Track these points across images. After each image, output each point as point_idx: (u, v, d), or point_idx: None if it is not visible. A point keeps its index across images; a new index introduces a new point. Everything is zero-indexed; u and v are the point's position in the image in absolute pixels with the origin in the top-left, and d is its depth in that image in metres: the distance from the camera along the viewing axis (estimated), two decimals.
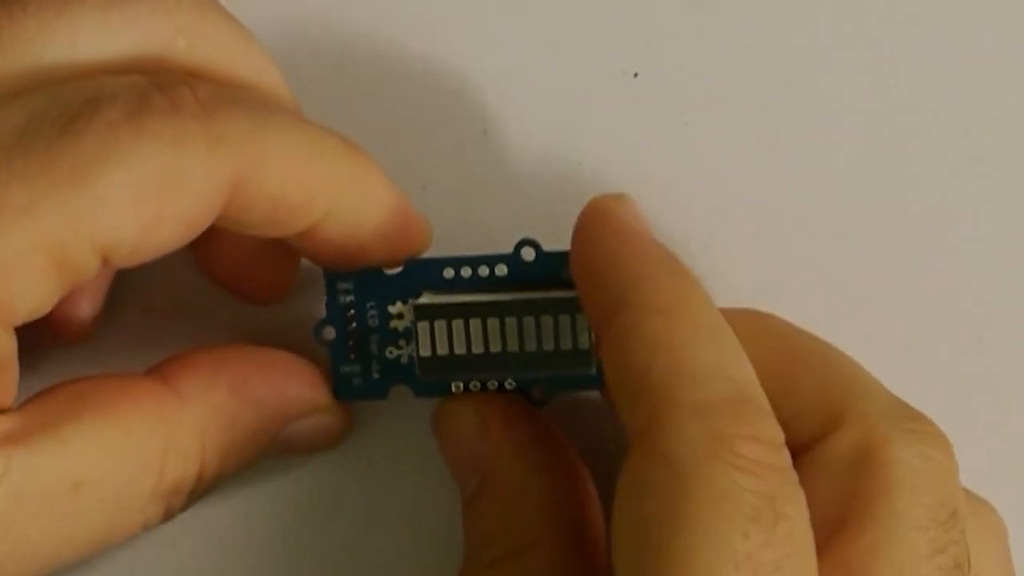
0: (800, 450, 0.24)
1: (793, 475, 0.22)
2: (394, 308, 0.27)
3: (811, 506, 0.22)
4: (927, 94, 0.29)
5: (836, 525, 0.23)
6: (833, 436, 0.24)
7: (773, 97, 0.29)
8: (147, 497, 0.25)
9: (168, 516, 0.25)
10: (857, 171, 0.29)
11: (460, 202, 0.29)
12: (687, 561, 0.21)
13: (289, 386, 0.27)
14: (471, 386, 0.27)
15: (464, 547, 0.26)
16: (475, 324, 0.26)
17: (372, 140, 0.29)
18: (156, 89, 0.24)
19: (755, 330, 0.25)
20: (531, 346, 0.26)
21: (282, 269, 0.28)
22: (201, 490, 0.26)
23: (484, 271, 0.26)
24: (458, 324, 0.26)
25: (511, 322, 0.26)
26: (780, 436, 0.23)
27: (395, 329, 0.27)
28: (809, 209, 0.28)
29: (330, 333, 0.27)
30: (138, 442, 0.24)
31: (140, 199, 0.23)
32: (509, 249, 0.26)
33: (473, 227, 0.28)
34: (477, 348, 0.26)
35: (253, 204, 0.24)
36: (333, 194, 0.25)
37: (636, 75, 0.29)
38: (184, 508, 0.26)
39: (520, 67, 0.29)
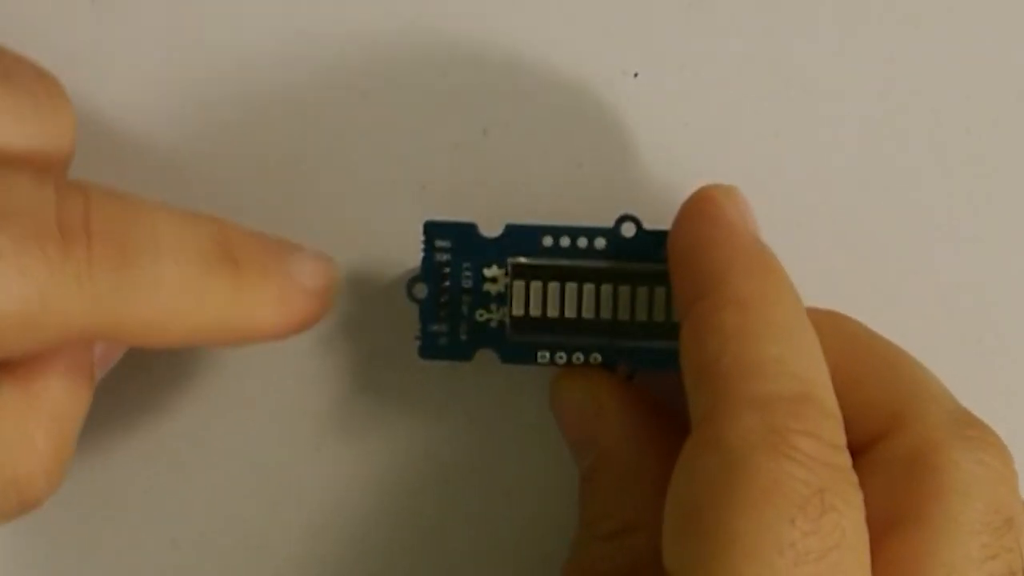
0: (860, 450, 0.24)
1: (851, 476, 0.23)
2: (489, 271, 0.27)
3: (865, 505, 0.23)
4: (927, 94, 0.29)
5: (888, 525, 0.23)
6: (891, 437, 0.24)
7: (773, 97, 0.29)
8: None
9: (26, 506, 0.25)
10: (857, 171, 0.29)
11: (460, 202, 0.29)
12: (731, 545, 0.21)
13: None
14: (557, 357, 0.27)
15: (579, 515, 0.27)
16: (570, 288, 0.26)
17: (372, 140, 0.29)
18: (57, 225, 0.23)
19: (828, 329, 0.25)
20: (624, 315, 0.26)
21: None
22: (59, 470, 0.25)
23: (583, 242, 0.27)
24: (553, 286, 0.26)
25: (606, 289, 0.26)
26: (841, 438, 0.23)
27: (488, 292, 0.27)
28: (809, 209, 0.28)
29: (422, 290, 0.27)
30: None
31: None
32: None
33: None
34: (570, 312, 0.26)
35: (110, 339, 0.25)
36: (206, 332, 0.25)
37: (636, 75, 0.29)
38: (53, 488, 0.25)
39: (520, 67, 0.29)
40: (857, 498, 0.22)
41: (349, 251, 0.28)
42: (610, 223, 0.27)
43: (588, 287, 0.26)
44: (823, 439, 0.22)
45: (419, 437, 0.29)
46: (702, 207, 0.26)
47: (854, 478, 0.23)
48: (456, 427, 0.29)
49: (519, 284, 0.26)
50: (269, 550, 0.29)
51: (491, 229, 0.27)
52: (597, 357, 0.27)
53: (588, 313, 0.26)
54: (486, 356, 0.27)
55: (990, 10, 0.29)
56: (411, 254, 0.28)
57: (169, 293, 0.24)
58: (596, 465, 0.27)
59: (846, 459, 0.23)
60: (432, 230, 0.27)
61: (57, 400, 0.25)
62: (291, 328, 0.26)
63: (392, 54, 0.29)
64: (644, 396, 0.27)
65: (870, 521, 0.23)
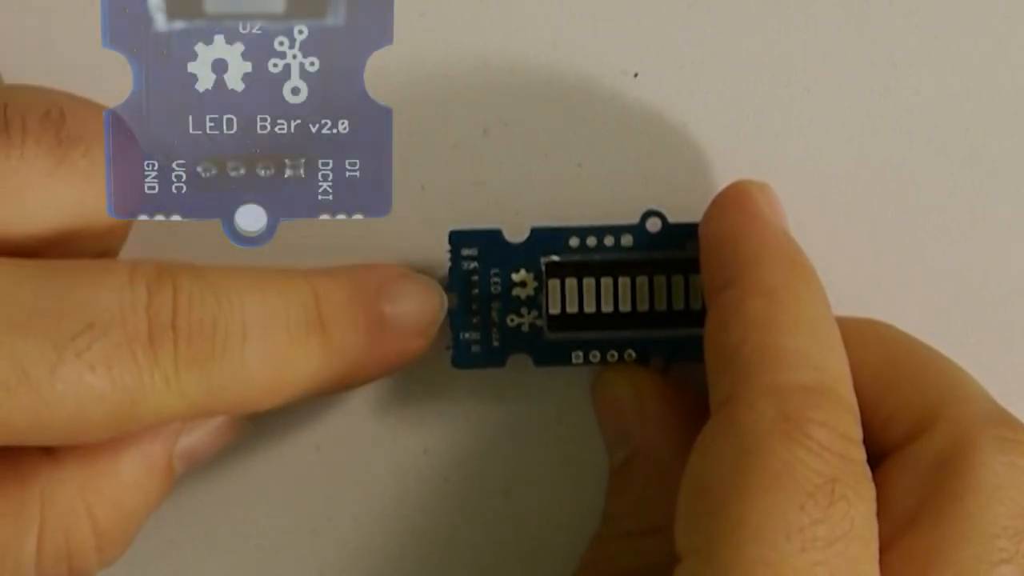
0: (894, 450, 0.25)
1: (863, 469, 0.23)
2: (517, 275, 0.27)
3: (890, 503, 0.23)
4: (927, 94, 0.29)
5: (909, 522, 0.23)
6: (924, 437, 0.24)
7: (773, 97, 0.29)
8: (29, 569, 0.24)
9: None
10: (857, 171, 0.29)
11: (460, 202, 0.29)
12: (740, 526, 0.22)
13: None
14: (591, 356, 0.27)
15: (604, 509, 0.27)
16: (606, 282, 0.26)
17: None
18: (146, 328, 0.23)
19: (866, 335, 0.25)
20: (660, 305, 0.26)
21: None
22: (114, 548, 0.25)
23: (609, 241, 0.27)
24: (589, 282, 0.26)
25: (641, 281, 0.26)
26: (856, 432, 0.23)
27: (517, 297, 0.27)
28: (808, 209, 0.28)
29: (452, 300, 0.27)
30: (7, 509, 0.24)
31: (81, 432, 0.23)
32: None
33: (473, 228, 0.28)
34: (607, 307, 0.26)
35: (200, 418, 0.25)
36: (300, 394, 0.25)
37: (636, 75, 0.29)
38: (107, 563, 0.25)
39: (520, 67, 0.29)
40: (869, 492, 0.23)
41: (349, 252, 0.28)
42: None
43: (623, 280, 0.26)
44: (838, 430, 0.23)
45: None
46: (735, 199, 0.26)
47: (867, 472, 0.23)
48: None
49: (554, 283, 0.26)
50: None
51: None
52: (631, 354, 0.27)
53: (624, 306, 0.26)
54: (518, 361, 0.27)
55: (990, 10, 0.29)
56: (411, 255, 0.28)
57: (256, 375, 0.24)
58: (628, 462, 0.27)
59: (860, 452, 0.23)
60: (457, 239, 0.27)
61: (124, 483, 0.25)
62: (390, 369, 0.26)
63: (392, 54, 0.29)
64: (685, 400, 0.27)
65: (892, 518, 0.23)
